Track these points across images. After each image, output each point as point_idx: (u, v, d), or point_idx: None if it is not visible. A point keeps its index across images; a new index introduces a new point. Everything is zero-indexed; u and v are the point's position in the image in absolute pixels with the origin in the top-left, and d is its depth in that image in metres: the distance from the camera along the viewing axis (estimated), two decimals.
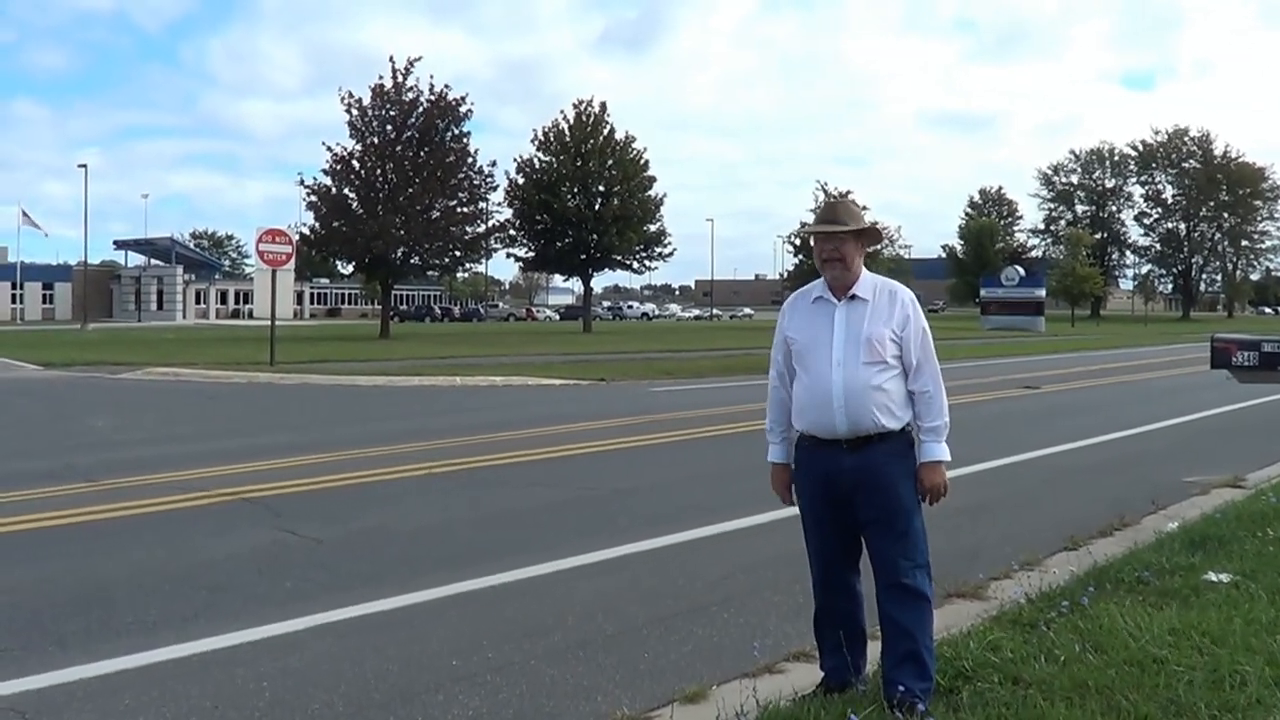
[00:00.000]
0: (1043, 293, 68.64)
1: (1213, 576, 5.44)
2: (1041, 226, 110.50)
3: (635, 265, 57.11)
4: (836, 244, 3.86)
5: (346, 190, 43.56)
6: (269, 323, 26.71)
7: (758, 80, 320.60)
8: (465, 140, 44.75)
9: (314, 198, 43.03)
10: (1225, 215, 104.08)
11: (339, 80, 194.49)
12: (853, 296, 3.88)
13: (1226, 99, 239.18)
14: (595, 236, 52.63)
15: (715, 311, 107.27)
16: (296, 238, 34.19)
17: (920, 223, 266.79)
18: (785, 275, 79.60)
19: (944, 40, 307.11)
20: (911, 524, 3.86)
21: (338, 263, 55.94)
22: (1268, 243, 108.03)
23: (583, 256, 53.99)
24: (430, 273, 54.39)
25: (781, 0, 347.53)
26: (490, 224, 47.40)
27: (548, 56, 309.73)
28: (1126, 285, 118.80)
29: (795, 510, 4.12)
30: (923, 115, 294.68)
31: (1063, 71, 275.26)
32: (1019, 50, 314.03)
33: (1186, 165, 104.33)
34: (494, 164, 45.96)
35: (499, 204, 50.07)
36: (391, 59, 43.78)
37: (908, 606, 3.83)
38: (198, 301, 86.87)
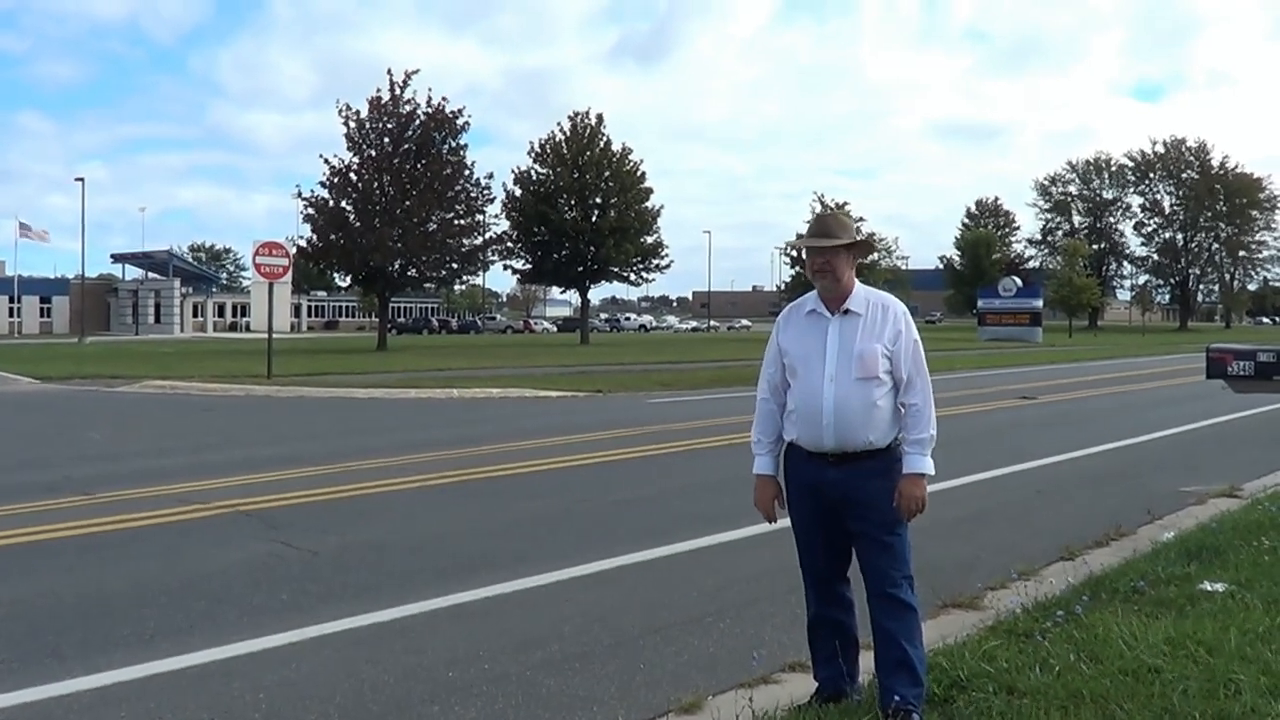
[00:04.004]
0: (1040, 303, 68.80)
1: (1208, 586, 5.46)
2: (1039, 237, 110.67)
3: (632, 277, 57.01)
4: (828, 257, 3.88)
5: (344, 203, 43.51)
6: (266, 335, 26.72)
7: (769, 92, 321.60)
8: (462, 153, 44.84)
9: (311, 210, 43.02)
10: (1222, 225, 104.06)
11: (351, 92, 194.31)
12: (846, 311, 3.89)
13: (1240, 109, 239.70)
14: (592, 248, 52.60)
15: (712, 323, 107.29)
16: (294, 250, 34.21)
17: (924, 234, 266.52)
18: (782, 287, 79.56)
19: (957, 52, 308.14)
20: (898, 537, 3.89)
21: (335, 275, 55.96)
22: (1265, 253, 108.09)
23: (580, 268, 53.95)
24: (427, 285, 54.36)
25: (795, 12, 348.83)
26: (487, 236, 47.38)
27: (561, 68, 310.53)
28: (1124, 296, 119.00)
29: (790, 522, 4.14)
30: (932, 126, 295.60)
31: (1075, 83, 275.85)
32: (1031, 62, 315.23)
33: (1184, 176, 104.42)
34: (490, 176, 45.90)
35: (497, 216, 50.13)
36: (389, 71, 43.86)
37: (896, 616, 3.86)
38: (195, 315, 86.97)
